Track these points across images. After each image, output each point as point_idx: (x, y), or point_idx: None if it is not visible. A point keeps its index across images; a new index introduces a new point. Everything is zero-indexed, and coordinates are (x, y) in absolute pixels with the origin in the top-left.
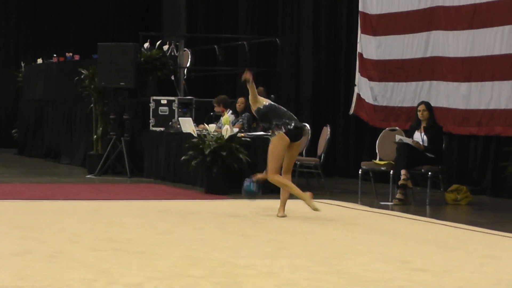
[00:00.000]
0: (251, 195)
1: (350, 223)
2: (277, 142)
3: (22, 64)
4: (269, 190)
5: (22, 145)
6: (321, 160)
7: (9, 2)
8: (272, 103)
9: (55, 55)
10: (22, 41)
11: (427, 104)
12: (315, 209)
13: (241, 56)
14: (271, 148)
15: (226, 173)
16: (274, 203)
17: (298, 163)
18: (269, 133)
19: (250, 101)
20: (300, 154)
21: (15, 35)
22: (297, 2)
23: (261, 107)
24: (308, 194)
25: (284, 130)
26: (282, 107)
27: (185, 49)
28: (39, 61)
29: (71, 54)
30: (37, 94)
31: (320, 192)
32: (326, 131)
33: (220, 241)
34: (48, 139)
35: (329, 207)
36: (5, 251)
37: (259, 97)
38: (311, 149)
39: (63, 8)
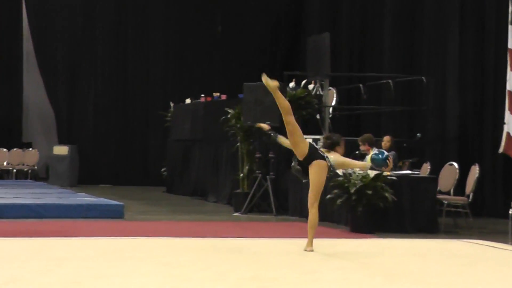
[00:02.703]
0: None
1: (499, 263)
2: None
3: (171, 104)
4: (416, 229)
5: (170, 183)
6: (469, 200)
7: (158, 45)
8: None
9: (202, 95)
10: (171, 82)
11: None
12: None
13: (385, 95)
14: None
15: (371, 212)
16: (420, 243)
17: (446, 202)
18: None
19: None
20: (448, 193)
21: (163, 76)
22: (442, 39)
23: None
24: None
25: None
26: None
27: (330, 88)
28: (187, 101)
29: (218, 94)
30: (184, 134)
31: (468, 232)
32: (475, 170)
33: (364, 281)
34: (195, 178)
35: (478, 247)
36: None
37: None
38: (459, 188)
39: (210, 49)
